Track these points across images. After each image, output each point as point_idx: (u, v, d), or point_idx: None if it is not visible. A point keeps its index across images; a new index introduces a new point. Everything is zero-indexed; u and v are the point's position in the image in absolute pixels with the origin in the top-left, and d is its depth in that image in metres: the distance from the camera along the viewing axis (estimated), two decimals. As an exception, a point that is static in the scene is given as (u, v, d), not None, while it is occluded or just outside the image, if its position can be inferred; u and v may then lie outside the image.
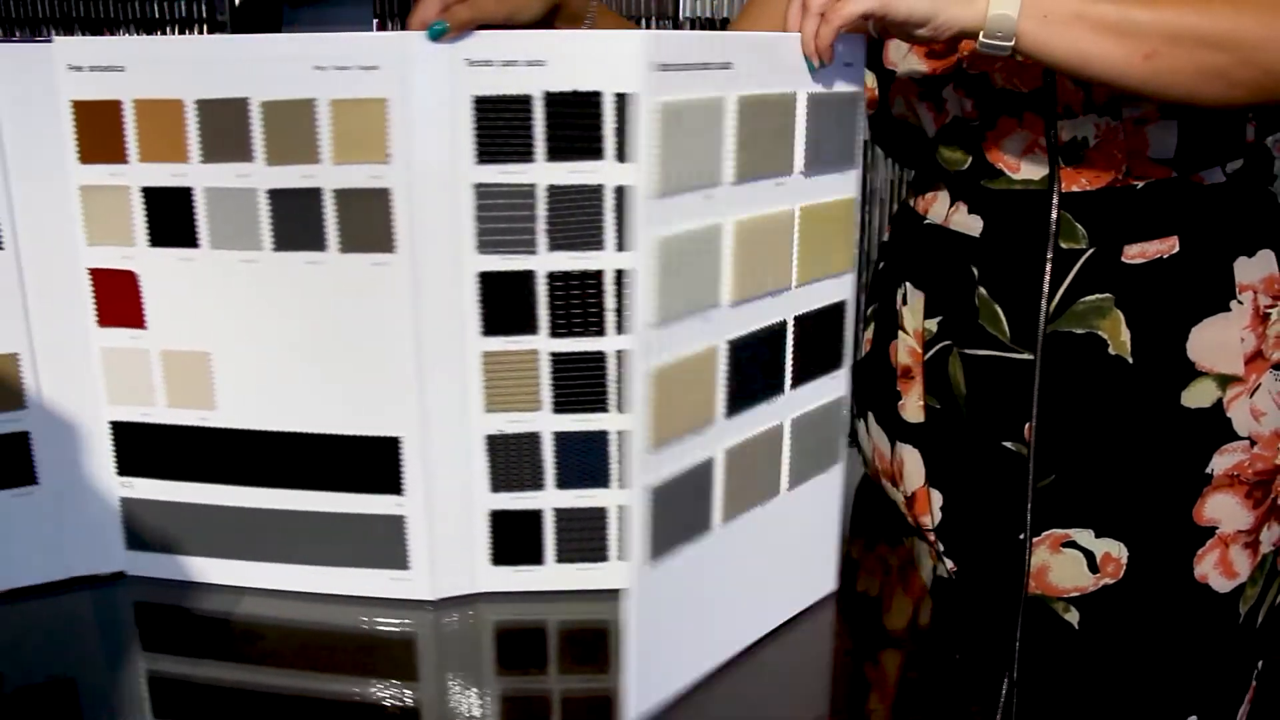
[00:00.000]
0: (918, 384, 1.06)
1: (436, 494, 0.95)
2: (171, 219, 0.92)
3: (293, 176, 0.89)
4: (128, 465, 0.98)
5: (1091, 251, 0.93)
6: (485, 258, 0.91)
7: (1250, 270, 0.94)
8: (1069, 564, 0.98)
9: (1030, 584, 0.99)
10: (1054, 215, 0.92)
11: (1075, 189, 0.92)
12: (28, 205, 0.93)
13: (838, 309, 0.90)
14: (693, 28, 2.49)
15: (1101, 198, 0.92)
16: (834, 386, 0.92)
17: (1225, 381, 0.94)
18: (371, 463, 0.94)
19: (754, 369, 0.84)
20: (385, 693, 0.87)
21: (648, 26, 2.34)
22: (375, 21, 2.38)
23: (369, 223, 0.89)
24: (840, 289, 0.89)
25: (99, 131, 0.91)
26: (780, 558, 0.91)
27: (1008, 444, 0.99)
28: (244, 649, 0.93)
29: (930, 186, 1.04)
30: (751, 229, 0.80)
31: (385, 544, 0.95)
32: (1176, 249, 0.92)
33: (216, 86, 0.89)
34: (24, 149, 0.92)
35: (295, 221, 0.90)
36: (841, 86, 0.84)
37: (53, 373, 0.96)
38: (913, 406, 1.06)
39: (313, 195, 0.89)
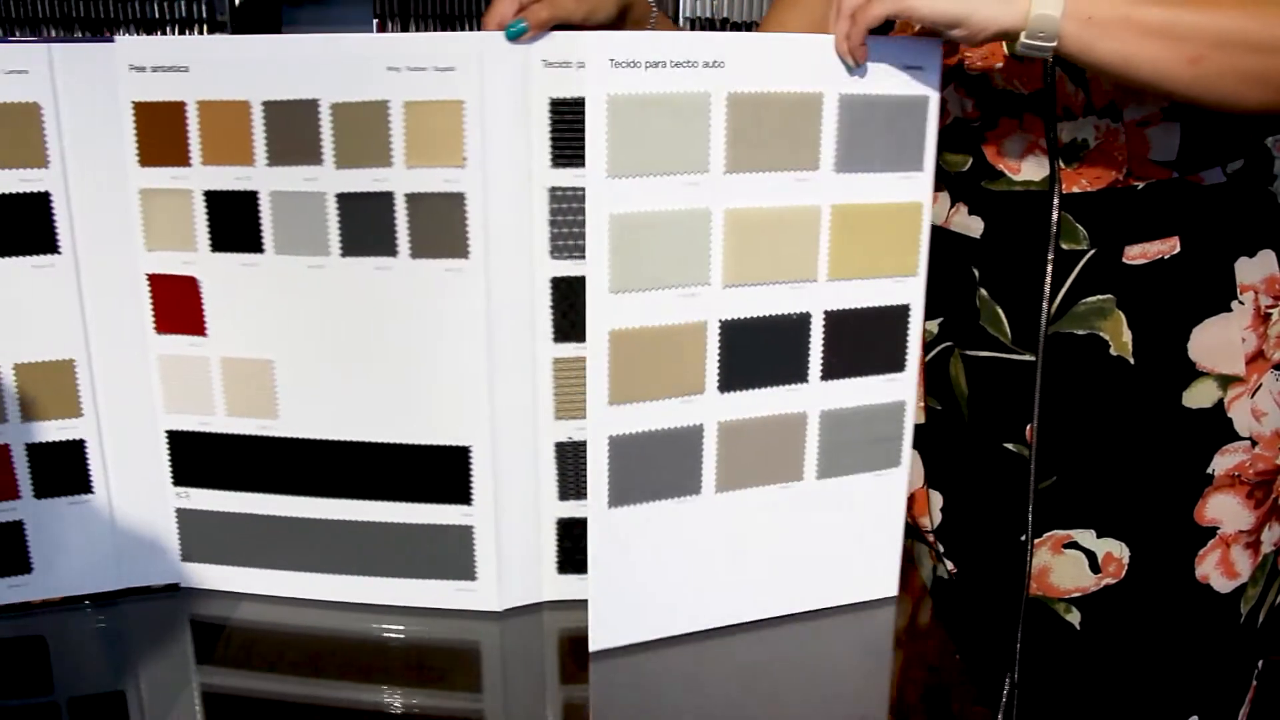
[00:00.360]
0: (919, 384, 1.05)
1: (504, 503, 0.93)
2: (235, 223, 0.90)
3: (363, 180, 0.87)
4: (184, 475, 0.96)
5: (1092, 252, 0.93)
6: (558, 263, 0.89)
7: (1251, 270, 0.94)
8: (1070, 565, 0.98)
9: (1031, 585, 0.99)
10: (1055, 216, 0.91)
11: (1076, 190, 0.92)
12: (86, 209, 0.91)
13: (897, 312, 0.90)
14: (693, 28, 2.48)
15: (1102, 199, 0.92)
16: (890, 389, 0.92)
17: (1226, 382, 0.94)
18: (440, 472, 0.92)
19: (759, 352, 0.87)
20: (449, 704, 0.86)
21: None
22: (375, 22, 2.36)
23: (442, 228, 0.87)
24: (901, 291, 0.89)
25: (160, 133, 0.89)
26: (809, 547, 0.93)
27: (1009, 445, 0.99)
28: (301, 662, 0.91)
29: None
30: (749, 219, 0.84)
31: (452, 554, 0.94)
32: (1177, 249, 0.92)
33: (285, 88, 0.87)
34: (83, 151, 0.89)
35: (365, 226, 0.88)
36: (900, 89, 0.84)
37: (109, 380, 0.94)
38: (914, 408, 1.05)
39: (384, 199, 0.87)
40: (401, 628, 0.95)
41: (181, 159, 0.89)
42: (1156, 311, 0.93)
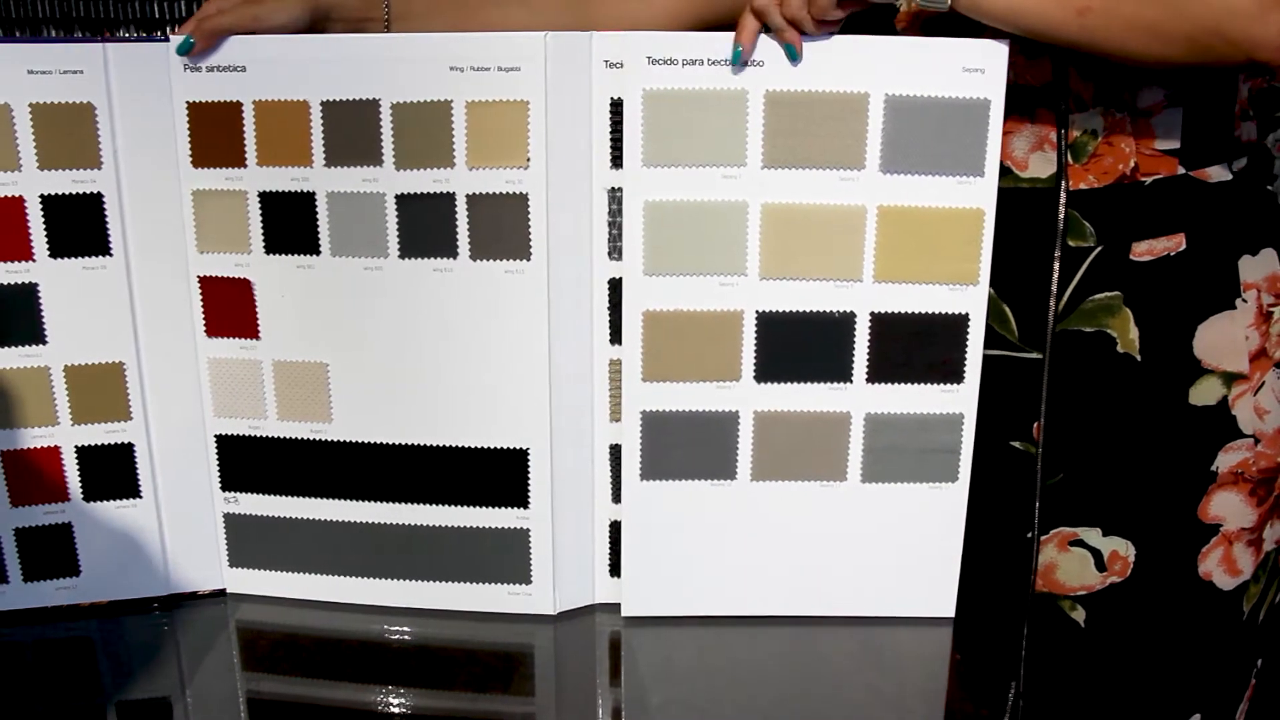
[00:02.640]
0: None
1: (560, 506, 0.93)
2: (291, 225, 0.89)
3: (424, 181, 0.87)
4: (232, 480, 0.95)
5: (1099, 249, 0.93)
6: (615, 264, 0.89)
7: (1254, 269, 0.94)
8: (1076, 562, 0.98)
9: (1038, 583, 0.98)
10: (1061, 213, 0.91)
11: (1083, 186, 0.91)
12: (137, 211, 0.90)
13: (954, 321, 0.88)
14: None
15: (1109, 195, 0.91)
16: (946, 400, 0.90)
17: (1230, 379, 0.94)
18: (497, 475, 0.92)
19: (798, 347, 0.88)
20: (501, 708, 0.86)
21: None
22: None
23: (504, 229, 0.87)
24: (959, 300, 0.88)
25: (215, 134, 0.88)
26: (855, 551, 0.92)
27: (1015, 443, 0.98)
28: (348, 667, 0.91)
29: None
30: (789, 214, 0.86)
31: (507, 558, 0.93)
32: (1183, 246, 0.92)
33: (346, 88, 0.86)
34: (136, 152, 0.89)
35: (424, 227, 0.88)
36: (956, 91, 0.83)
37: (159, 383, 0.93)
38: None
39: (445, 200, 0.87)
40: (451, 632, 0.95)
41: (236, 160, 0.88)
42: (1163, 309, 0.93)
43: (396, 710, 0.86)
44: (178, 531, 0.96)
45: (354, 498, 0.94)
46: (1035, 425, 0.96)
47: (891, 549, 0.92)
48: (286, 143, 0.88)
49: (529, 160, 0.85)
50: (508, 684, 0.89)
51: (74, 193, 0.89)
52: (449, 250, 0.88)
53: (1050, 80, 0.90)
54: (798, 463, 0.91)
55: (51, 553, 0.95)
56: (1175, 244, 0.92)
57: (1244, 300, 0.94)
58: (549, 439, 0.91)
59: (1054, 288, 0.92)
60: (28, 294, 0.90)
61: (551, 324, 0.88)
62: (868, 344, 0.88)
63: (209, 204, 0.90)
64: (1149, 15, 0.77)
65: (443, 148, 0.86)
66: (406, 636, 0.94)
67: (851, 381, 0.89)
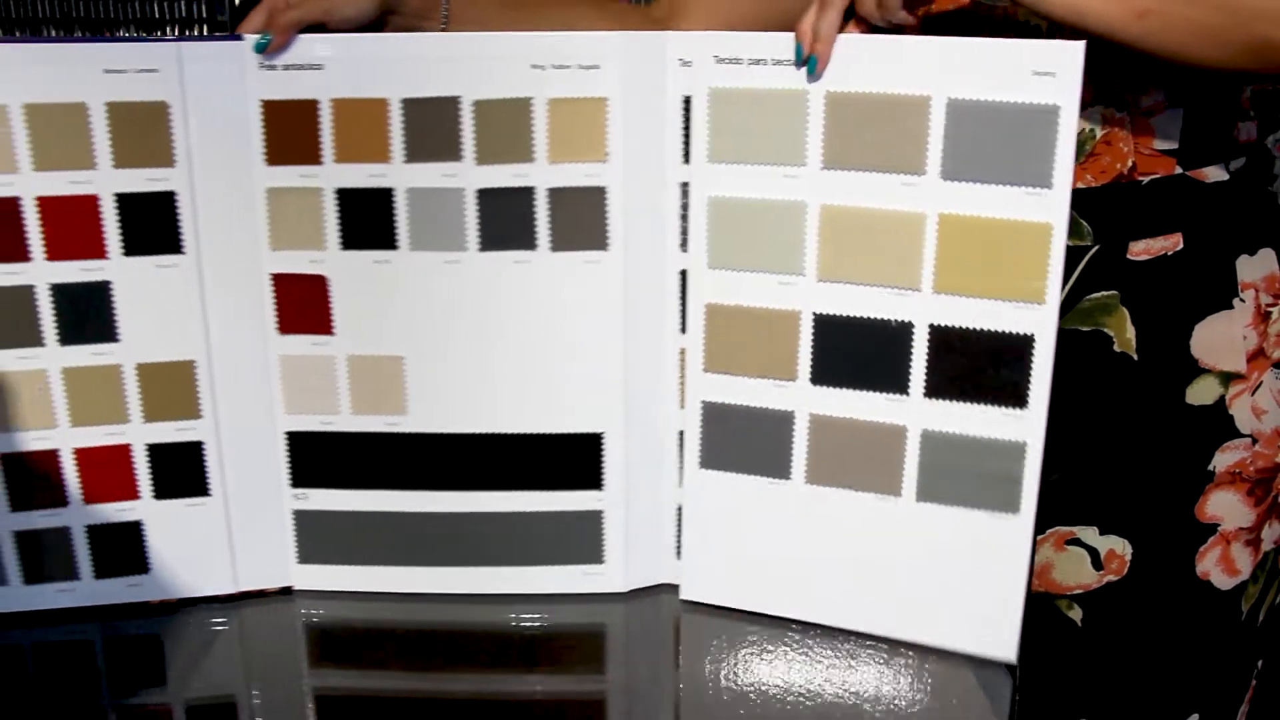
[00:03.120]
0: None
1: (633, 486, 0.95)
2: (368, 221, 0.90)
3: (504, 176, 0.89)
4: (303, 476, 0.96)
5: (1097, 248, 0.94)
6: (685, 255, 0.92)
7: (1252, 268, 0.95)
8: (1073, 561, 0.98)
9: (1034, 582, 0.99)
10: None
11: (1080, 185, 0.92)
12: (210, 209, 0.90)
13: (1017, 341, 0.83)
14: None
15: (1106, 194, 0.92)
16: (1009, 425, 0.84)
17: (1228, 379, 0.95)
18: (572, 460, 0.94)
19: (854, 353, 0.86)
20: (573, 687, 0.88)
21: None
22: None
23: (582, 221, 0.89)
24: (1024, 319, 0.82)
25: (290, 132, 0.89)
26: (910, 571, 0.89)
27: None
28: (417, 658, 0.92)
29: None
30: (847, 217, 0.85)
31: (581, 539, 0.96)
32: (1181, 246, 0.93)
33: (426, 85, 0.88)
34: (209, 150, 0.89)
35: (504, 221, 0.89)
36: (1025, 96, 0.78)
37: (229, 381, 0.94)
38: None
39: (525, 194, 0.89)
40: (520, 615, 0.96)
41: (312, 157, 0.90)
42: (1160, 308, 0.94)
43: (469, 695, 0.87)
44: (245, 529, 0.96)
45: (427, 488, 0.95)
46: None
47: (947, 576, 0.87)
48: (365, 140, 0.89)
49: (607, 154, 0.88)
50: (578, 662, 0.91)
51: (148, 191, 0.89)
52: (529, 243, 0.90)
53: None
54: (852, 471, 0.89)
55: (121, 550, 0.95)
56: (1172, 243, 0.93)
57: (1241, 300, 0.94)
58: (623, 422, 0.93)
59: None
60: (101, 292, 0.91)
61: (626, 312, 0.91)
62: (925, 357, 0.85)
63: (283, 201, 0.90)
64: (1208, 20, 0.78)
65: (523, 143, 0.88)
66: (474, 622, 0.95)
67: (908, 394, 0.86)
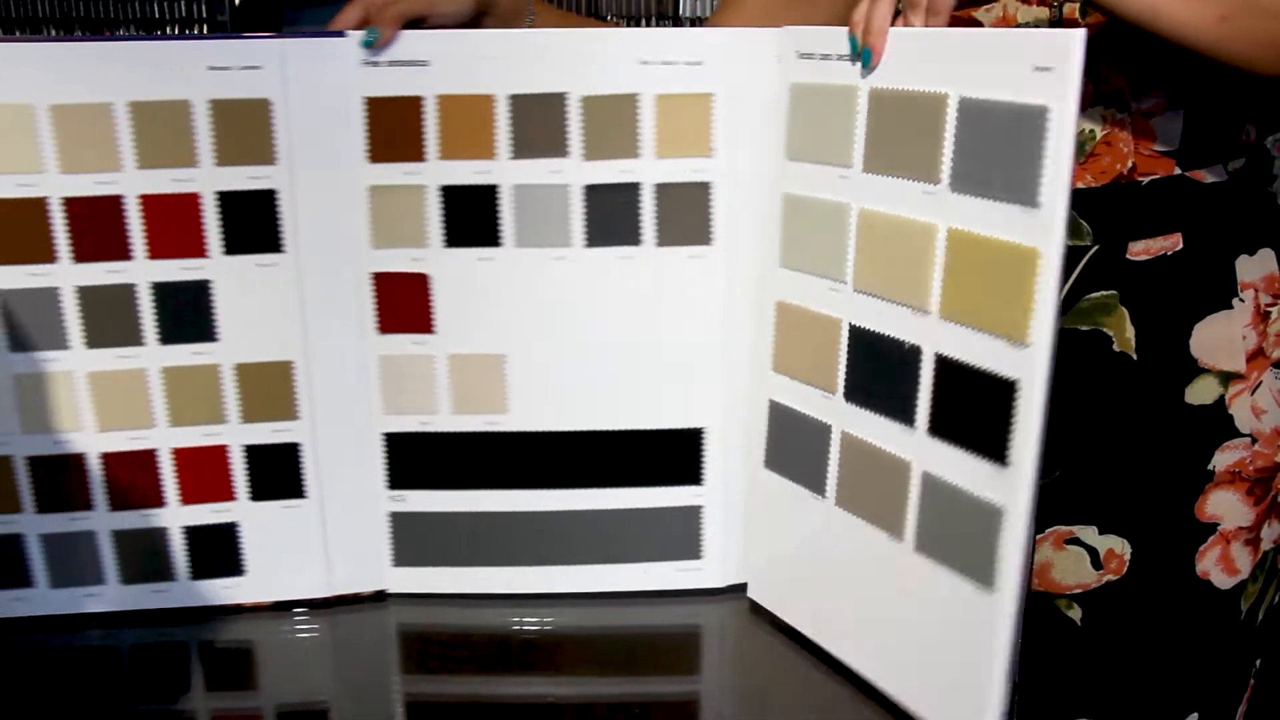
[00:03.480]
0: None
1: (732, 481, 0.95)
2: (472, 218, 0.90)
3: (610, 171, 0.89)
4: (400, 477, 0.95)
5: (1096, 248, 0.94)
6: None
7: (1251, 268, 0.95)
8: (1072, 561, 0.99)
9: (1033, 581, 0.99)
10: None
11: (1080, 185, 0.92)
12: (310, 207, 0.90)
13: (1000, 385, 0.70)
14: (692, 26, 2.50)
15: (1106, 194, 0.92)
16: (989, 483, 0.71)
17: (1227, 378, 0.95)
18: (673, 455, 0.94)
19: (876, 373, 0.79)
20: (671, 689, 0.87)
21: (647, 25, 2.35)
22: None
23: (688, 216, 0.89)
24: (1009, 360, 0.69)
25: (394, 129, 0.89)
26: (900, 626, 0.79)
27: None
28: (511, 661, 0.91)
29: None
30: (879, 224, 0.78)
31: (680, 535, 0.95)
32: (1180, 246, 0.93)
33: (533, 81, 0.88)
34: (311, 148, 0.89)
35: (610, 217, 0.89)
36: (1020, 95, 0.66)
37: (327, 382, 0.93)
38: None
39: (631, 190, 0.89)
40: (616, 613, 0.96)
41: (416, 154, 0.89)
42: (1159, 308, 0.94)
43: (567, 698, 0.86)
44: (341, 532, 0.96)
45: (526, 487, 0.95)
46: None
47: (928, 641, 0.77)
48: (470, 136, 0.88)
49: (713, 150, 0.88)
50: (675, 660, 0.91)
51: (249, 189, 0.89)
52: (634, 238, 0.90)
53: None
54: (872, 504, 0.81)
55: (217, 552, 0.95)
56: (1172, 244, 0.93)
57: (1241, 300, 0.94)
58: (723, 417, 0.93)
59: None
60: (201, 291, 0.90)
61: (728, 305, 0.91)
62: (930, 388, 0.75)
63: (386, 199, 0.90)
64: None
65: (629, 139, 0.88)
66: (567, 624, 0.95)
67: (914, 427, 0.77)
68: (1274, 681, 1.09)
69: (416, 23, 0.89)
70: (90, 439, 0.92)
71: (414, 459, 0.95)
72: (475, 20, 0.94)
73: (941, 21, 0.73)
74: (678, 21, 2.36)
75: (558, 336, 0.91)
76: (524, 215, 0.89)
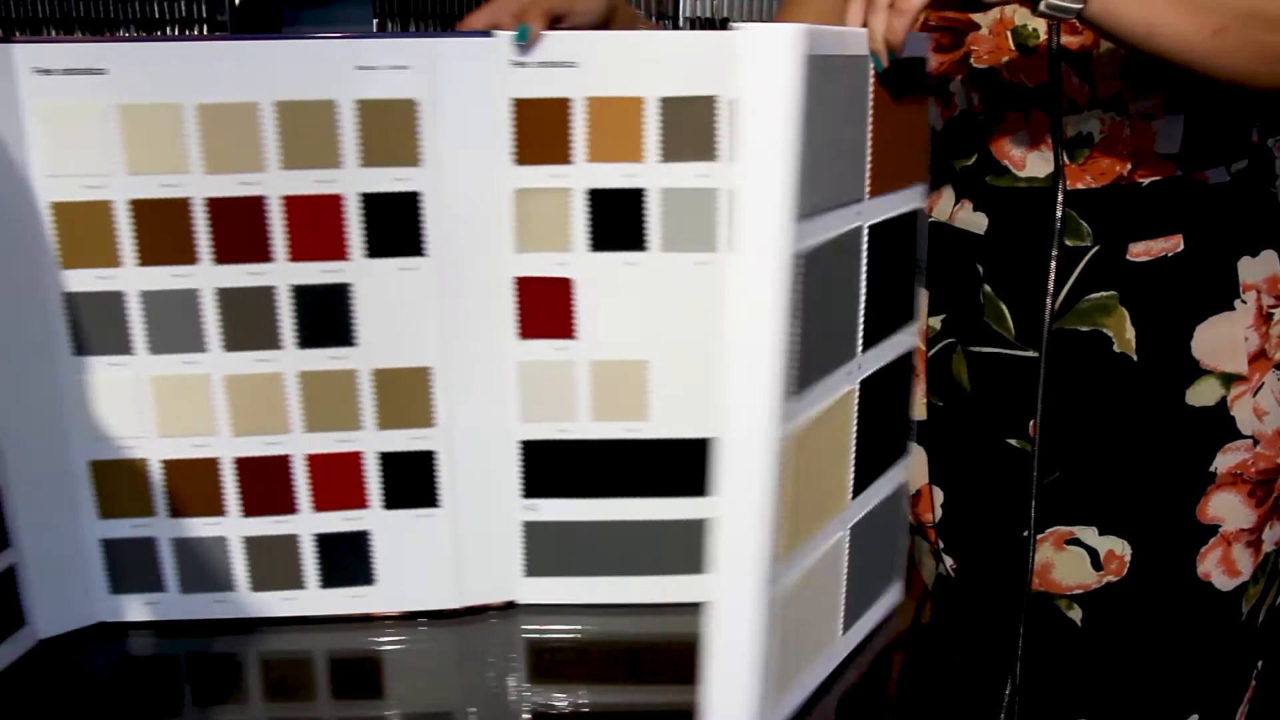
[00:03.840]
0: (921, 381, 1.05)
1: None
2: (618, 221, 0.89)
3: None
4: (536, 486, 0.93)
5: (1096, 249, 0.93)
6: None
7: (1253, 270, 0.95)
8: (1072, 561, 0.98)
9: (1034, 581, 0.99)
10: (1059, 213, 0.92)
11: (1080, 186, 0.92)
12: (454, 210, 0.88)
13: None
14: (692, 28, 2.47)
15: (1106, 195, 0.92)
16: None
17: (1229, 380, 0.95)
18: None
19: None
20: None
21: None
22: (375, 22, 2.32)
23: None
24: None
25: (542, 131, 0.87)
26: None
27: (1012, 441, 0.99)
28: (643, 671, 0.90)
29: (935, 184, 1.02)
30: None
31: None
32: (1181, 247, 0.93)
33: (682, 84, 0.86)
34: (457, 150, 0.87)
35: (760, 221, 0.87)
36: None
37: (464, 388, 0.91)
38: (916, 404, 1.03)
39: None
40: None
41: (562, 157, 0.88)
42: (1160, 309, 0.94)
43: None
44: (473, 542, 0.94)
45: (663, 495, 0.92)
46: (1031, 423, 0.97)
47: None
48: (618, 138, 0.87)
49: None
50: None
51: (393, 191, 0.87)
52: (784, 242, 0.87)
53: (1046, 81, 0.92)
54: None
55: (348, 561, 0.93)
56: (1173, 245, 0.93)
57: (1243, 301, 0.94)
58: None
59: (1050, 287, 0.93)
60: (341, 294, 0.88)
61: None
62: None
63: (531, 202, 0.88)
64: (1278, 44, 0.77)
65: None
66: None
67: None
68: (1275, 683, 1.07)
69: (553, 24, 0.88)
70: (225, 443, 0.90)
71: (549, 467, 0.93)
72: (605, 23, 0.92)
73: (905, 21, 0.72)
74: (678, 23, 2.33)
75: (704, 341, 0.89)
76: (671, 219, 0.88)
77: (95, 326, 0.87)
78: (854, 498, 0.82)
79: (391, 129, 0.85)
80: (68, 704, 0.85)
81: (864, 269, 0.78)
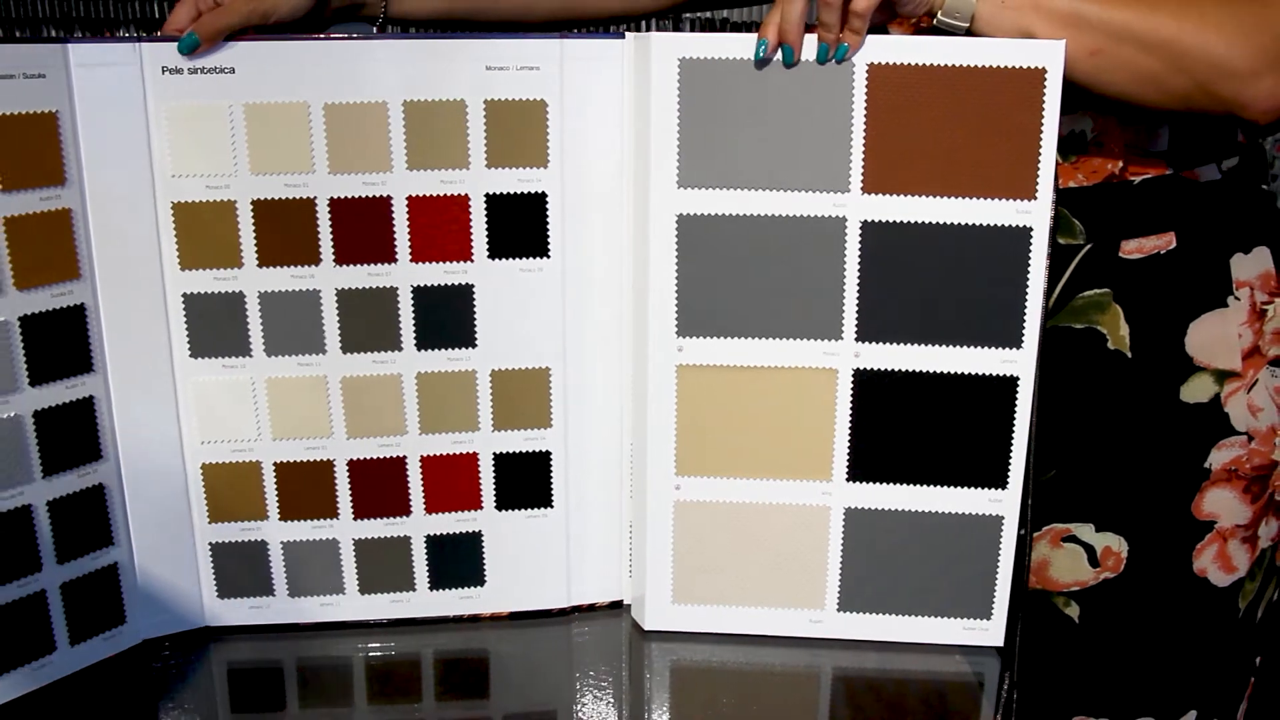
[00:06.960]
0: None
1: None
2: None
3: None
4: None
5: (1089, 247, 0.93)
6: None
7: (1246, 267, 0.95)
8: (1069, 558, 0.98)
9: (1030, 578, 0.99)
10: (1050, 210, 0.92)
11: (1072, 185, 0.92)
12: (580, 211, 0.87)
13: None
14: (692, 28, 2.47)
15: (1098, 193, 0.92)
16: None
17: (1223, 377, 0.95)
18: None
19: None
20: None
21: (645, 27, 2.29)
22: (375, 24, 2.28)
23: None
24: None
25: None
26: None
27: None
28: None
29: None
30: None
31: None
32: (1174, 245, 0.93)
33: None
34: (583, 150, 0.86)
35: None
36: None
37: (582, 390, 0.91)
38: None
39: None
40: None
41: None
42: (1153, 306, 0.94)
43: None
44: (582, 542, 0.94)
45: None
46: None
47: None
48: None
49: None
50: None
51: (519, 192, 0.86)
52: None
53: None
54: None
55: (460, 562, 0.92)
56: (1165, 242, 0.93)
57: (1236, 298, 0.94)
58: None
59: (1043, 284, 0.95)
60: (463, 296, 0.87)
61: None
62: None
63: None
64: (1151, 66, 0.79)
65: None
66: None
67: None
68: (1275, 679, 1.08)
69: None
70: (339, 446, 0.89)
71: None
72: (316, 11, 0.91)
73: (862, 24, 0.75)
74: (677, 23, 2.31)
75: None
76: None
77: (213, 328, 0.85)
78: (849, 480, 0.87)
79: (519, 129, 0.85)
80: (171, 706, 0.84)
81: (852, 260, 0.83)
